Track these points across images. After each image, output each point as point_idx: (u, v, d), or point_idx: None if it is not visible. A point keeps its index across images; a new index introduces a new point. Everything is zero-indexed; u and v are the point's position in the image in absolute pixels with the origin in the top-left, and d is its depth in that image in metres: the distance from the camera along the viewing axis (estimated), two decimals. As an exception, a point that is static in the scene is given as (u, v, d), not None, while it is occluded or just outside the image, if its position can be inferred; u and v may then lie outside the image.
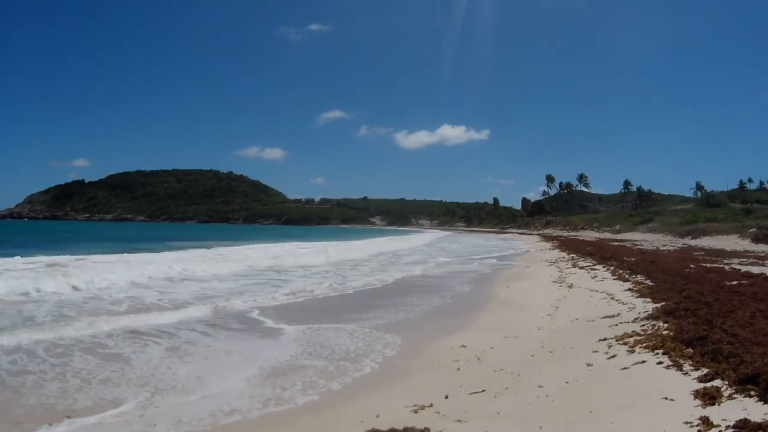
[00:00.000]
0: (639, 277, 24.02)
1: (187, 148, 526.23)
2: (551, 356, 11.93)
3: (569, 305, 18.95)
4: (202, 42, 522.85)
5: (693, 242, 62.64)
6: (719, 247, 49.12)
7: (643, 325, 13.10)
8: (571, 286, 23.71)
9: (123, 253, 44.21)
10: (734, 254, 39.17)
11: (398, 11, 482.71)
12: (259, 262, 38.75)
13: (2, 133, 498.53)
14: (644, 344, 11.05)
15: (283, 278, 30.07)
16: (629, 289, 20.50)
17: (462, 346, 13.93)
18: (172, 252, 47.23)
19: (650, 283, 21.40)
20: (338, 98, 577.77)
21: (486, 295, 24.48)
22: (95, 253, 43.07)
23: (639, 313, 15.07)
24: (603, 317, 15.28)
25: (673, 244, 58.14)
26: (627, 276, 24.93)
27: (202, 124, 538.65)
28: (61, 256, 38.43)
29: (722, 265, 28.29)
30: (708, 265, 28.03)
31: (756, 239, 56.89)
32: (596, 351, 11.39)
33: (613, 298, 18.83)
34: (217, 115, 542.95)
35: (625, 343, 11.48)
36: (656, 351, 10.42)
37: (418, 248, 71.16)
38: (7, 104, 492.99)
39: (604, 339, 12.22)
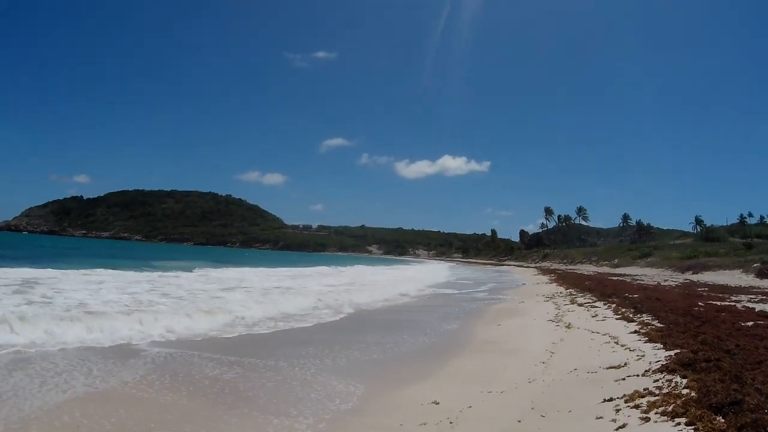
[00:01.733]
0: (645, 317, 21.62)
1: (187, 169, 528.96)
2: (543, 423, 9.42)
3: (567, 350, 16.43)
4: (208, 64, 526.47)
5: (694, 277, 61.46)
6: (723, 283, 48.05)
7: (657, 380, 10.69)
8: (569, 327, 21.12)
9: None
10: (740, 290, 37.82)
11: (403, 41, 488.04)
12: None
13: (2, 143, 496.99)
14: (661, 408, 8.73)
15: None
16: (635, 332, 18.00)
17: (434, 402, 11.38)
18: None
19: (658, 325, 19.05)
20: (341, 126, 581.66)
21: (472, 334, 21.89)
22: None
23: (650, 363, 12.65)
24: (607, 367, 12.80)
25: (674, 279, 56.73)
26: (631, 315, 22.46)
27: (204, 145, 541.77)
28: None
29: (731, 303, 26.60)
30: (718, 303, 26.07)
31: (760, 274, 56.34)
32: (600, 417, 9.02)
33: (617, 343, 16.36)
34: (220, 138, 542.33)
35: (637, 407, 9.10)
36: (677, 419, 8.14)
37: (412, 278, 69.15)
38: (9, 114, 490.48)
39: (610, 399, 9.75)
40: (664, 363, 12.10)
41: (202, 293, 30.11)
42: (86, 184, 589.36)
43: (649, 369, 11.84)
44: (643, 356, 13.68)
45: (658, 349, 14.52)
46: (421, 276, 72.63)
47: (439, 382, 13.50)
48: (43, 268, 39.23)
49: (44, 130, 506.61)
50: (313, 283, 44.77)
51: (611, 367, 12.71)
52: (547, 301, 34.24)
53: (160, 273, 44.27)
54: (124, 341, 16.91)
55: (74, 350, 15.38)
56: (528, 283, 60.76)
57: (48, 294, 25.37)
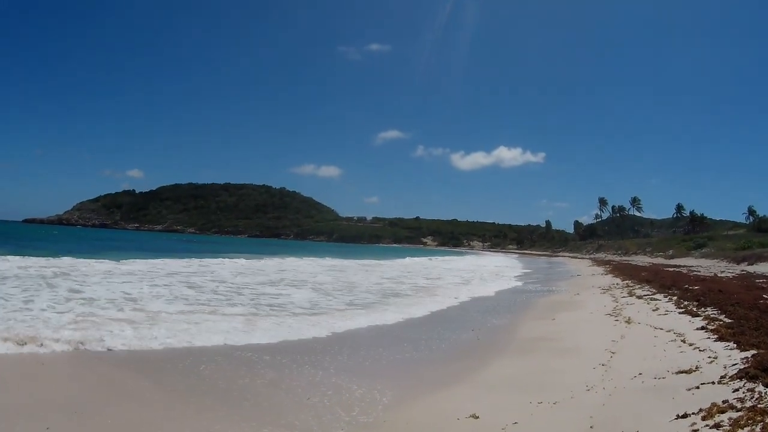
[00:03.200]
0: (710, 311, 19.97)
1: (243, 162, 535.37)
2: (606, 449, 7.89)
3: (629, 349, 14.86)
4: (263, 57, 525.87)
5: (750, 268, 59.83)
6: None
7: (737, 390, 9.11)
8: (629, 322, 19.53)
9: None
10: None
11: (457, 32, 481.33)
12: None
13: (58, 138, 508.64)
14: (747, 429, 7.18)
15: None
16: (702, 328, 16.35)
17: (472, 416, 9.83)
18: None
19: (726, 320, 17.39)
20: (396, 118, 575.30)
21: (523, 329, 20.47)
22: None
23: (725, 366, 11.08)
24: (676, 372, 11.24)
25: (730, 271, 54.88)
26: (695, 309, 20.81)
27: (260, 139, 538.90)
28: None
29: None
30: None
31: None
32: (675, 439, 7.38)
33: (684, 341, 14.76)
34: (275, 131, 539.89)
35: (718, 426, 7.56)
36: (771, 445, 6.51)
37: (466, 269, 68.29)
38: (64, 109, 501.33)
39: (685, 416, 8.18)
40: (741, 367, 10.58)
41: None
42: (140, 179, 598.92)
43: (725, 374, 10.30)
44: (715, 358, 12.14)
45: (731, 348, 12.97)
46: (476, 270, 69.98)
47: (481, 389, 12.07)
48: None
49: (99, 125, 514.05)
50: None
51: (681, 372, 11.16)
52: (604, 293, 32.53)
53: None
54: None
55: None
56: (583, 275, 59.04)
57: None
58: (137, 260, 42.37)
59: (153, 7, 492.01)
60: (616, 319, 20.65)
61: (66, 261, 38.51)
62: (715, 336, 14.77)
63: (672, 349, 13.93)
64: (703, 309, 20.62)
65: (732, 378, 9.94)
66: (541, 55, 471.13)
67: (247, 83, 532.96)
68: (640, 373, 11.60)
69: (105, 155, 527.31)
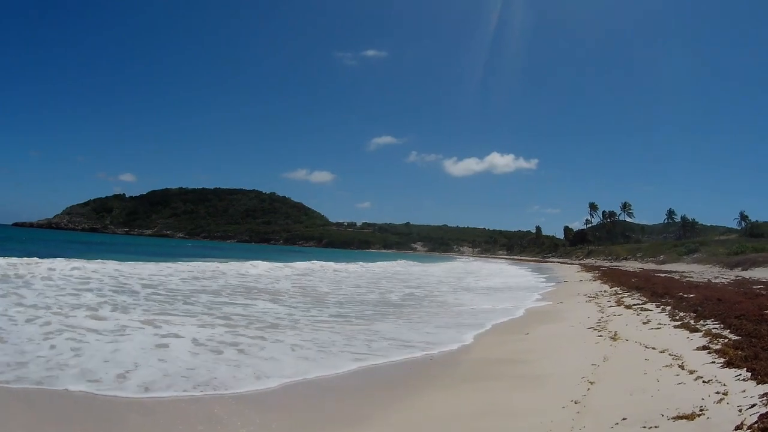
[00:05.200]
0: (710, 324, 17.04)
1: (236, 168, 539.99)
2: None
3: (612, 378, 11.75)
4: (258, 62, 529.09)
5: (745, 274, 57.45)
6: None
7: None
8: (615, 338, 16.32)
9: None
10: None
11: (452, 39, 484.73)
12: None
13: (53, 141, 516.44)
14: None
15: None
16: (704, 347, 13.32)
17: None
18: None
19: (732, 336, 14.43)
20: (389, 124, 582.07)
21: (481, 347, 17.25)
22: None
23: (740, 409, 8.19)
24: (674, 417, 8.25)
25: (725, 276, 52.20)
26: (693, 322, 17.75)
27: (254, 144, 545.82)
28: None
29: None
30: None
31: None
32: None
33: (683, 366, 11.70)
34: (269, 136, 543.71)
35: None
36: None
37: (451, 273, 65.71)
38: (57, 112, 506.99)
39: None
40: (763, 411, 7.66)
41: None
42: (132, 183, 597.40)
43: (743, 423, 7.44)
44: (725, 394, 9.17)
45: (744, 380, 10.01)
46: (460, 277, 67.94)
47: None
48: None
49: (93, 129, 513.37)
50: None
51: (680, 417, 8.16)
52: (590, 301, 29.41)
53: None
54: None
55: None
56: (570, 281, 56.06)
57: None
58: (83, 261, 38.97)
59: (149, 13, 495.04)
60: (600, 334, 17.51)
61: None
62: (722, 360, 11.77)
63: (667, 379, 10.90)
64: (702, 322, 17.65)
65: (752, 429, 7.00)
66: (534, 62, 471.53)
67: (242, 88, 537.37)
68: (625, 419, 8.51)
69: (98, 159, 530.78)
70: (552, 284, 52.03)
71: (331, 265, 66.70)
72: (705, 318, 18.28)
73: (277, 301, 27.77)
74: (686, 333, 15.85)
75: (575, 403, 9.89)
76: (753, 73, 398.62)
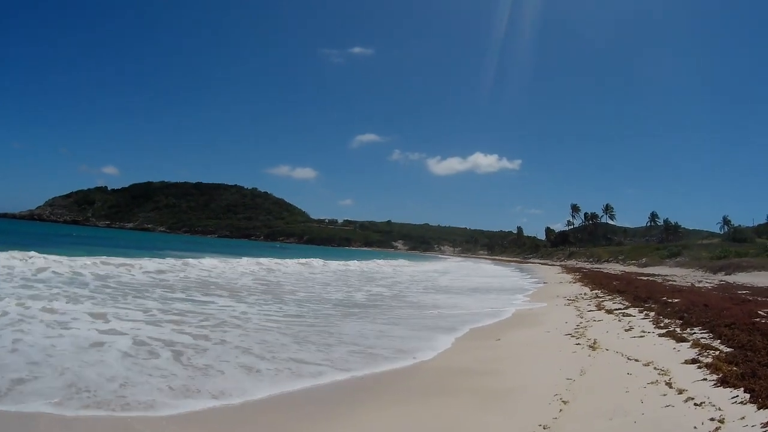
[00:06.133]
0: (698, 333, 15.73)
1: (218, 163, 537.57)
2: None
3: (589, 396, 10.22)
4: (244, 57, 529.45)
5: (729, 278, 57.39)
6: (761, 285, 43.15)
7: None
8: (594, 347, 14.77)
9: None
10: None
11: (439, 39, 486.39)
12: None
13: (34, 134, 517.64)
14: None
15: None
16: (693, 360, 11.92)
17: None
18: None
19: (724, 348, 13.05)
20: (374, 122, 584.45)
21: (445, 356, 15.47)
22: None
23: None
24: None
25: (708, 281, 51.76)
26: (679, 331, 16.34)
27: (236, 139, 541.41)
28: None
29: None
30: None
31: None
32: None
33: (670, 384, 10.23)
34: (252, 132, 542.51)
35: None
36: None
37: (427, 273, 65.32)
38: (42, 104, 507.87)
39: None
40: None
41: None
42: (114, 176, 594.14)
43: None
44: (721, 421, 7.84)
45: (742, 402, 8.64)
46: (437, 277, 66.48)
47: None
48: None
49: (76, 121, 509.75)
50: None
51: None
52: (569, 304, 28.01)
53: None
54: None
55: None
56: (550, 282, 54.74)
57: None
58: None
59: (136, 8, 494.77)
60: (578, 341, 15.98)
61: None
62: (714, 377, 10.34)
63: (653, 399, 9.43)
64: (689, 330, 16.28)
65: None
66: (519, 63, 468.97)
67: (227, 83, 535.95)
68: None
69: (81, 151, 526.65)
70: (530, 285, 50.73)
71: (308, 261, 65.33)
72: (692, 326, 16.91)
73: (236, 297, 26.39)
74: (672, 342, 14.43)
75: (544, 428, 8.37)
76: (737, 79, 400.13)
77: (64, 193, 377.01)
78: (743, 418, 7.84)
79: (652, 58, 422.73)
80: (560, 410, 9.32)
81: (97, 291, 24.13)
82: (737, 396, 8.93)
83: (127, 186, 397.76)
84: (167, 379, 11.33)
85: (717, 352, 12.45)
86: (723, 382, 9.83)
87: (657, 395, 9.62)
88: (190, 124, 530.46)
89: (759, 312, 19.16)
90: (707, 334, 15.10)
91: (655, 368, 11.56)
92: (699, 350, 12.92)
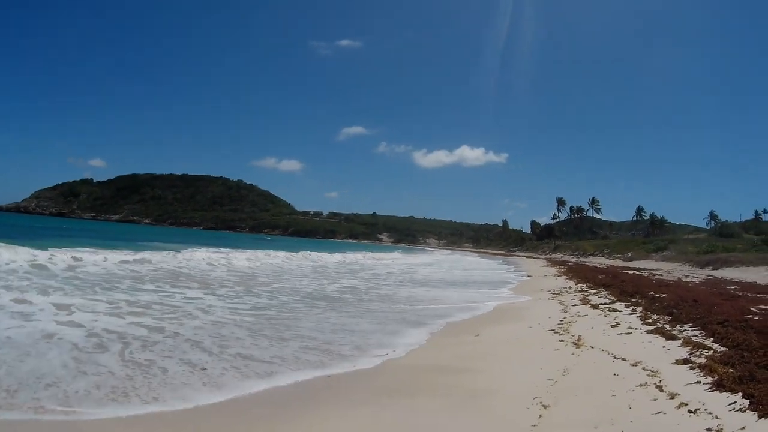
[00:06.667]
0: (689, 330, 14.85)
1: (204, 155, 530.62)
2: None
3: (571, 400, 9.32)
4: (231, 50, 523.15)
5: (716, 273, 56.16)
6: (751, 281, 42.14)
7: None
8: (579, 344, 13.89)
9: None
10: None
11: (427, 32, 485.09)
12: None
13: (23, 126, 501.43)
14: None
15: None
16: (685, 361, 11.08)
17: None
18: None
19: (717, 347, 12.25)
20: (361, 114, 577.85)
21: (422, 351, 14.55)
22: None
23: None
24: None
25: (695, 275, 50.78)
26: (668, 327, 15.49)
27: (223, 131, 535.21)
28: None
29: None
30: None
31: None
32: None
33: (660, 387, 9.41)
34: (239, 124, 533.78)
35: None
36: None
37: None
38: (31, 96, 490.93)
39: None
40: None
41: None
42: (102, 168, 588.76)
43: None
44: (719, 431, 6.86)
45: (740, 409, 7.90)
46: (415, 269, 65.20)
47: None
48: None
49: (66, 113, 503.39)
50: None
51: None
52: (553, 298, 27.18)
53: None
54: None
55: None
56: (534, 276, 53.86)
57: None
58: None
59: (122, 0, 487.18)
60: (561, 338, 15.09)
61: None
62: (709, 379, 9.52)
63: (642, 404, 8.59)
64: (679, 327, 15.45)
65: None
66: (506, 57, 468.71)
67: (215, 75, 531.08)
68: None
69: (70, 143, 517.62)
70: (514, 278, 49.97)
71: (286, 254, 63.95)
72: (682, 322, 16.07)
73: (207, 289, 25.66)
74: (662, 340, 13.59)
75: (522, 440, 7.47)
76: (725, 74, 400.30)
77: (51, 186, 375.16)
78: (743, 428, 7.09)
79: (639, 53, 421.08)
80: (540, 416, 8.44)
81: (68, 282, 23.61)
82: (735, 402, 8.16)
83: (113, 178, 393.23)
84: (101, 378, 10.51)
85: (710, 352, 11.65)
86: (719, 386, 9.01)
87: (647, 400, 8.77)
88: (178, 117, 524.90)
89: (751, 308, 18.38)
90: (698, 332, 14.28)
91: (644, 369, 10.72)
92: (690, 349, 12.12)
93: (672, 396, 8.78)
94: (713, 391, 8.86)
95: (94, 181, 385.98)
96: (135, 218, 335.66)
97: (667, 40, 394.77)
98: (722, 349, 11.89)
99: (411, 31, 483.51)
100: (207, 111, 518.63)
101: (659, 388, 9.32)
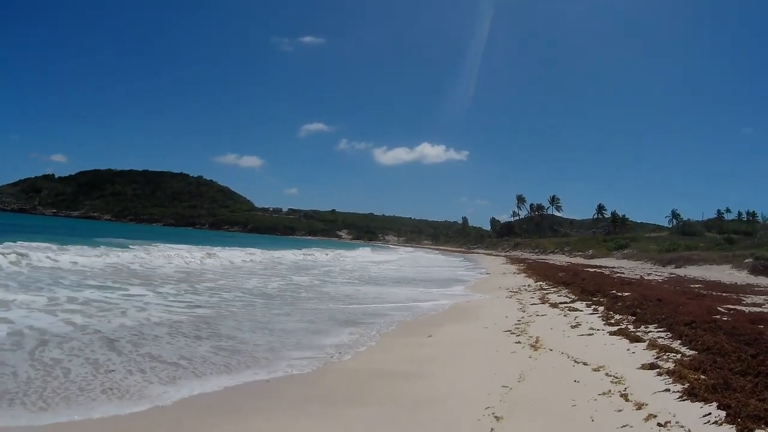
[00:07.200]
0: (654, 331, 14.08)
1: (166, 151, 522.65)
2: None
3: (528, 410, 8.38)
4: (192, 46, 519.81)
5: (679, 272, 56.75)
6: (714, 279, 42.68)
7: None
8: (537, 346, 12.96)
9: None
10: (740, 289, 31.46)
11: (389, 30, 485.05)
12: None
13: None
14: None
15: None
16: (652, 366, 10.28)
17: None
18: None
19: (686, 350, 11.51)
20: (322, 111, 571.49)
21: (368, 354, 13.44)
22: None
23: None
24: None
25: (658, 274, 51.05)
26: (632, 328, 14.72)
27: (184, 127, 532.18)
28: None
29: (749, 307, 19.72)
30: (744, 309, 18.58)
31: (754, 271, 51.54)
32: None
33: (626, 396, 8.60)
34: (199, 119, 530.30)
35: None
36: None
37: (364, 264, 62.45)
38: None
39: None
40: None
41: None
42: (63, 164, 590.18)
43: None
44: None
45: (716, 422, 7.17)
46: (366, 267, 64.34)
47: None
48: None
49: (26, 107, 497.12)
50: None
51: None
52: (511, 297, 26.34)
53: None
54: None
55: None
56: (493, 273, 53.11)
57: None
58: None
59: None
60: (518, 339, 14.17)
61: None
62: (679, 387, 8.76)
63: (606, 416, 7.76)
64: (643, 328, 14.65)
65: None
66: (467, 56, 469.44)
67: (176, 70, 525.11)
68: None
69: (32, 138, 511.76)
70: (472, 276, 49.06)
71: (242, 251, 62.71)
72: (647, 323, 15.32)
73: (149, 285, 24.61)
74: (625, 342, 12.81)
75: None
76: (686, 75, 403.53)
77: (12, 181, 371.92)
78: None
79: (600, 53, 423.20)
80: (491, 429, 7.48)
81: (13, 278, 23.25)
82: (710, 414, 7.39)
83: (74, 174, 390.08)
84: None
85: (678, 356, 10.87)
86: (690, 395, 8.20)
87: (611, 411, 7.93)
88: (140, 112, 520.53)
89: (718, 308, 17.72)
90: (665, 333, 13.51)
91: (607, 374, 9.85)
92: (657, 352, 11.34)
93: (639, 406, 7.94)
94: (684, 400, 8.07)
95: (56, 176, 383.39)
96: (95, 215, 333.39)
97: (628, 42, 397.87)
98: (691, 352, 11.10)
99: (374, 29, 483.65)
100: (168, 106, 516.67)
101: (624, 397, 8.46)
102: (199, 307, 19.58)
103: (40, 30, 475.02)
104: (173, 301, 20.61)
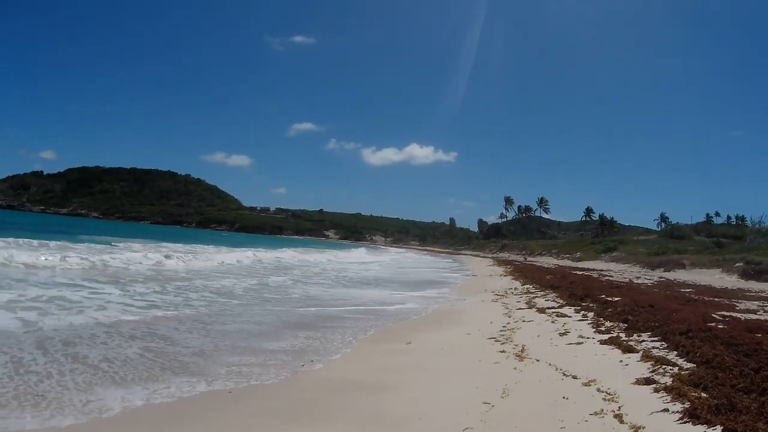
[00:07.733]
0: (648, 341, 13.18)
1: (155, 149, 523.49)
2: None
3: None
4: (183, 43, 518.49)
5: (669, 275, 55.44)
6: (704, 283, 41.64)
7: None
8: (522, 356, 12.04)
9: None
10: (731, 293, 30.50)
11: (380, 31, 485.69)
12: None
13: None
14: None
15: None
16: (648, 381, 9.38)
17: None
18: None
19: (683, 363, 10.65)
20: (312, 111, 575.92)
21: (347, 363, 12.42)
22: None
23: None
24: None
25: (647, 277, 50.09)
26: (624, 337, 13.81)
27: (173, 125, 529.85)
28: None
29: (744, 314, 18.64)
30: (740, 317, 17.46)
31: (745, 275, 50.44)
32: None
33: (620, 417, 7.71)
34: (189, 117, 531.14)
35: None
36: None
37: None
38: None
39: None
40: None
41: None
42: (52, 161, 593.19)
43: None
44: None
45: None
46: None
47: None
48: None
49: (16, 104, 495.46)
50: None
51: None
52: (497, 300, 25.44)
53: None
54: None
55: None
56: (479, 275, 52.25)
57: None
58: None
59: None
60: (502, 347, 13.25)
61: None
62: (679, 406, 7.87)
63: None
64: (636, 336, 13.77)
65: None
66: (457, 57, 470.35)
67: (166, 68, 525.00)
68: None
69: (22, 134, 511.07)
70: (457, 278, 48.27)
71: (226, 250, 61.76)
72: (639, 331, 14.38)
73: (118, 284, 23.94)
74: (617, 353, 11.90)
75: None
76: (675, 78, 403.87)
77: (1, 178, 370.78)
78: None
79: (589, 57, 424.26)
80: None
81: None
82: None
83: (63, 171, 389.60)
84: None
85: (675, 369, 9.97)
86: (692, 417, 7.32)
87: (605, 435, 6.97)
88: (130, 110, 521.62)
89: (713, 315, 16.82)
90: (659, 343, 12.58)
91: (598, 390, 8.97)
92: (652, 365, 10.44)
93: (635, 429, 7.10)
94: (685, 422, 7.22)
95: (45, 173, 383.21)
96: (83, 212, 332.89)
97: (617, 47, 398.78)
98: (689, 365, 10.21)
99: (364, 30, 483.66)
100: (157, 105, 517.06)
101: (619, 417, 7.59)
102: (157, 307, 18.82)
103: (29, 27, 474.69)
104: (136, 301, 19.91)
